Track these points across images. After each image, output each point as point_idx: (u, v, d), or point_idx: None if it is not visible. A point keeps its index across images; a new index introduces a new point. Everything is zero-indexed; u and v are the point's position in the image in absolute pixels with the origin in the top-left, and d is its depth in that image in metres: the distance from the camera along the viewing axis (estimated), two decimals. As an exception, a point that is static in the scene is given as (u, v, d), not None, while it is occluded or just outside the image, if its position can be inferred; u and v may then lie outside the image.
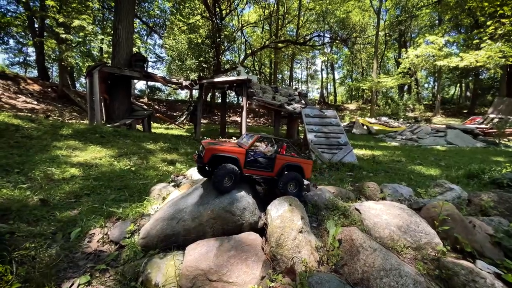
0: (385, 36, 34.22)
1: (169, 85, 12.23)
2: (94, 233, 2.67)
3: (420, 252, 2.13)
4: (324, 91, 45.97)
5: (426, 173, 5.88)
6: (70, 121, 13.02)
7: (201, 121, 12.51)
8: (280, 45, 25.55)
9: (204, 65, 24.53)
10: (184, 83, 11.37)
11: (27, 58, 32.40)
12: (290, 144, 3.17)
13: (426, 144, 11.85)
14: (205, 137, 11.24)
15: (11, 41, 29.09)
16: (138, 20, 25.04)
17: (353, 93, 44.56)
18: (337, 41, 29.07)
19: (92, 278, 2.06)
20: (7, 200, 3.04)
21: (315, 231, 2.36)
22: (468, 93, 34.65)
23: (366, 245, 2.00)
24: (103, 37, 20.74)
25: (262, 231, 2.38)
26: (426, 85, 42.43)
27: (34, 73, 27.95)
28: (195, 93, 26.85)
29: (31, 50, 29.30)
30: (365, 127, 17.53)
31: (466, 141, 12.11)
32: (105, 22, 25.40)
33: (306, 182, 3.25)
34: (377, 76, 26.63)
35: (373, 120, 21.23)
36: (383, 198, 3.33)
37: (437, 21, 29.72)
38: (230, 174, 2.40)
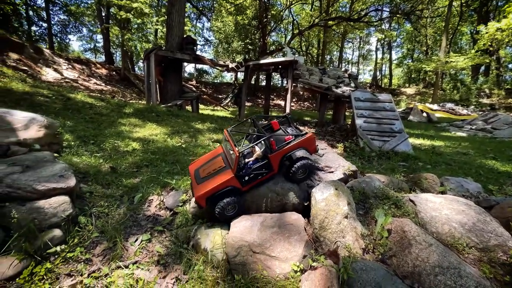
0: (461, 6, 28.80)
1: (216, 67, 12.58)
2: (152, 199, 3.03)
3: (487, 254, 1.88)
4: (378, 73, 41.85)
5: (501, 169, 5.03)
6: (131, 101, 14.55)
7: (245, 104, 12.70)
8: (330, 22, 23.69)
9: (250, 47, 24.42)
10: (231, 65, 11.55)
11: (96, 44, 36.70)
12: (267, 129, 2.68)
13: (504, 136, 10.03)
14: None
15: (84, 30, 33.16)
16: (189, 4, 25.88)
17: (412, 76, 39.52)
18: (398, 16, 25.59)
19: (151, 237, 2.36)
20: (86, 166, 3.62)
21: (361, 218, 2.26)
22: None
23: (420, 239, 1.84)
24: (157, 18, 22.14)
25: (304, 212, 2.37)
26: (511, 66, 35.03)
27: (102, 58, 31.56)
28: (240, 76, 27.14)
29: (99, 37, 32.98)
30: (424, 114, 15.58)
31: (561, 135, 9.85)
32: (159, 8, 26.92)
33: (353, 168, 3.09)
34: (446, 55, 22.95)
35: (435, 106, 18.69)
36: (443, 192, 2.98)
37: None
38: (228, 206, 2.22)
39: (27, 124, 3.31)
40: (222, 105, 19.44)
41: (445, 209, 2.16)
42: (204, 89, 29.17)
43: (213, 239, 2.09)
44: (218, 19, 26.80)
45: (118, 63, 30.86)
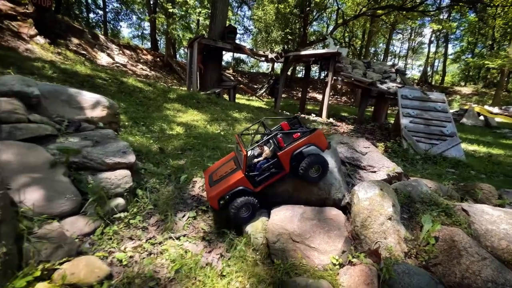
0: (543, -7, 24.39)
1: (256, 57, 12.61)
2: (196, 181, 3.25)
3: (552, 278, 1.71)
4: (429, 68, 38.00)
5: None
6: (172, 87, 15.38)
7: (282, 95, 12.62)
8: (379, 12, 21.96)
9: (289, 37, 23.87)
10: (270, 55, 11.49)
11: (144, 31, 38.97)
12: (282, 130, 2.51)
13: None
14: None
15: (134, 17, 35.39)
16: (232, -8, 25.97)
17: (471, 73, 35.17)
18: (461, 4, 22.67)
19: (196, 215, 2.57)
20: (139, 145, 4.00)
21: (405, 222, 2.19)
22: None
23: (472, 251, 1.74)
24: (200, 9, 22.71)
25: (343, 209, 2.37)
26: None
27: (147, 44, 33.50)
28: (277, 66, 26.81)
29: (147, 24, 34.93)
30: (481, 117, 13.91)
31: None
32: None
33: (398, 169, 2.96)
34: (516, 51, 19.90)
35: (496, 109, 16.54)
36: (501, 206, 2.72)
37: None
38: (242, 207, 2.21)
39: (94, 104, 3.74)
40: (257, 95, 19.55)
41: (504, 223, 1.99)
42: (240, 78, 29.50)
43: (254, 224, 2.22)
44: (260, 7, 26.54)
45: (161, 50, 32.56)
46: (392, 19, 24.39)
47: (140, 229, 2.22)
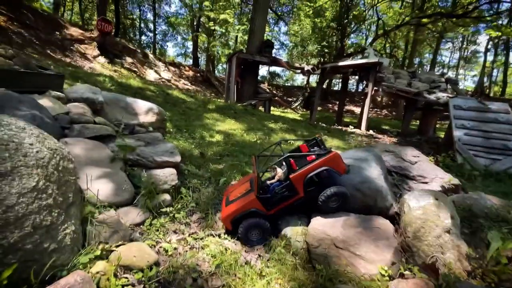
0: None
1: (292, 69, 12.76)
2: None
3: None
4: (485, 79, 34.13)
5: None
6: (211, 99, 16.21)
7: (318, 108, 12.42)
8: (425, 20, 20.70)
9: (326, 50, 23.73)
10: (306, 67, 11.54)
11: (187, 50, 42.28)
12: (296, 152, 2.40)
13: None
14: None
15: (179, 38, 38.72)
16: (269, 10, 27.01)
17: (539, 83, 30.59)
18: (523, 7, 20.22)
19: (236, 216, 2.61)
20: (183, 149, 4.27)
21: (466, 238, 1.94)
22: None
23: (559, 276, 1.46)
24: (239, 26, 24.02)
25: (391, 219, 2.20)
26: None
27: (190, 61, 36.14)
28: (312, 80, 26.64)
29: (189, 43, 37.89)
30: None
31: None
32: (241, 15, 29.13)
33: (455, 181, 2.66)
34: None
35: None
36: None
37: None
38: (251, 229, 2.15)
39: (146, 111, 4.13)
40: (292, 107, 19.58)
41: None
42: (275, 91, 29.95)
43: (293, 228, 2.17)
44: (296, 22, 27.07)
45: (202, 66, 34.90)
46: (440, 27, 22.77)
47: (184, 224, 2.33)
